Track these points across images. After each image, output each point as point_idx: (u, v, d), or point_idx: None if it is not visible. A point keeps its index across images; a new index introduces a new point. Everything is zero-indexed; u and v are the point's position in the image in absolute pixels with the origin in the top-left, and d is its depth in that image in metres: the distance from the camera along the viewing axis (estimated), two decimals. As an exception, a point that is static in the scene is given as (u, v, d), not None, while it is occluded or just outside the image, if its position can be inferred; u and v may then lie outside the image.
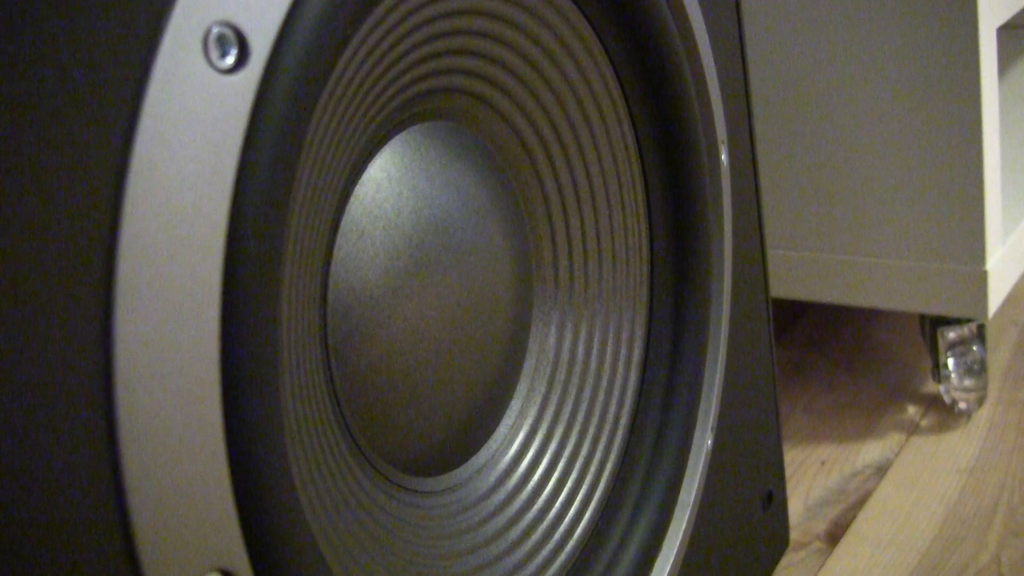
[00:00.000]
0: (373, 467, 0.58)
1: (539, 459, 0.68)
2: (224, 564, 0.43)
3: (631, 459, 0.71)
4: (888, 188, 1.09)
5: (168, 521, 0.40)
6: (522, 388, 0.68)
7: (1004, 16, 1.06)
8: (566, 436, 0.69)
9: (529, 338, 0.68)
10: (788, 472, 1.08)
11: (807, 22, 1.08)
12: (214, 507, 0.42)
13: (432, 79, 0.59)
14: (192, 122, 0.40)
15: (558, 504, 0.67)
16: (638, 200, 0.71)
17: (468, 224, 0.61)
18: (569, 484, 0.68)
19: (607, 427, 0.70)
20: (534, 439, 0.68)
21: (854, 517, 1.00)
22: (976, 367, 1.12)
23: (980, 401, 1.13)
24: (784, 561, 0.95)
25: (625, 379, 0.71)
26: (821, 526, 1.00)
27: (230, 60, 0.41)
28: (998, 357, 1.25)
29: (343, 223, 0.55)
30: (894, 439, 1.12)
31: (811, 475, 1.08)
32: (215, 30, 0.41)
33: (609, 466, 0.70)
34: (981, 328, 1.12)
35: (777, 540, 0.88)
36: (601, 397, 0.70)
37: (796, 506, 1.03)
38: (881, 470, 1.07)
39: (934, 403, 1.17)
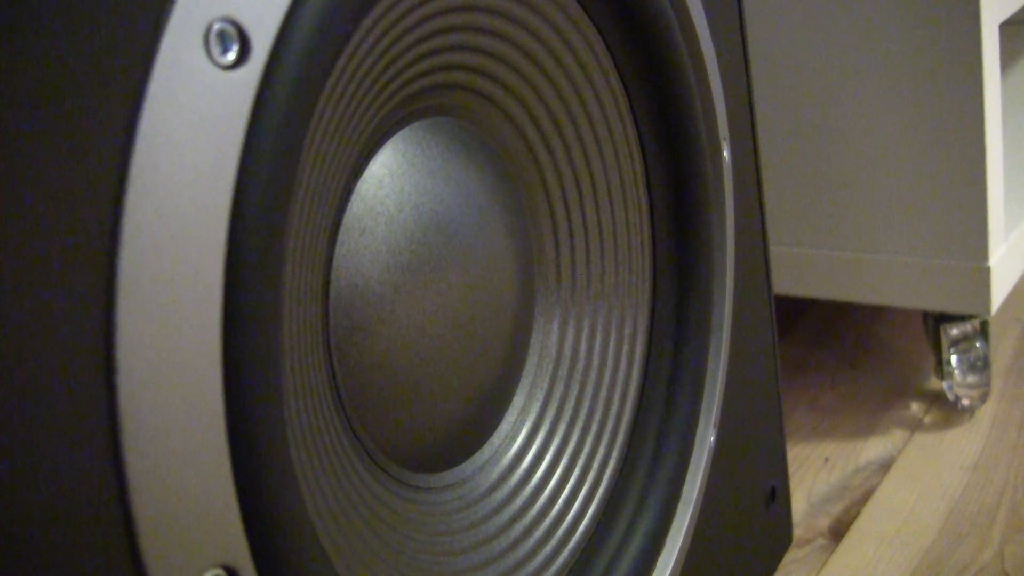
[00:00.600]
0: (375, 463, 0.58)
1: (542, 456, 0.68)
2: (227, 560, 0.43)
3: (633, 456, 0.71)
4: (891, 185, 1.09)
5: (171, 518, 0.41)
6: (524, 384, 0.68)
7: (1006, 12, 1.06)
8: (568, 432, 0.69)
9: (531, 334, 0.68)
10: (791, 469, 1.08)
11: (809, 19, 1.08)
12: (216, 503, 0.42)
13: (434, 75, 0.59)
14: (193, 118, 0.40)
15: (561, 501, 0.67)
16: (640, 196, 0.71)
17: (470, 221, 0.61)
18: (572, 480, 0.68)
19: (609, 423, 0.70)
20: (536, 436, 0.68)
21: (857, 514, 1.00)
22: (979, 363, 1.12)
23: (983, 397, 1.13)
24: (787, 558, 0.95)
25: (627, 376, 0.71)
26: (824, 523, 1.00)
27: (231, 56, 0.41)
28: (1001, 353, 1.25)
29: (345, 220, 0.55)
30: (897, 436, 1.12)
31: (814, 472, 1.08)
32: (216, 26, 0.41)
33: (611, 463, 0.70)
34: (984, 324, 1.12)
35: (780, 537, 0.88)
36: (603, 393, 0.70)
37: (799, 503, 1.03)
38: (884, 467, 1.07)
39: (937, 400, 1.17)
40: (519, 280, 0.66)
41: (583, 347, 0.70)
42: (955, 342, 1.12)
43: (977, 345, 1.12)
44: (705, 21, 0.71)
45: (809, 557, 0.95)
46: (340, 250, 0.54)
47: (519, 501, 0.66)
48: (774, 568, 0.88)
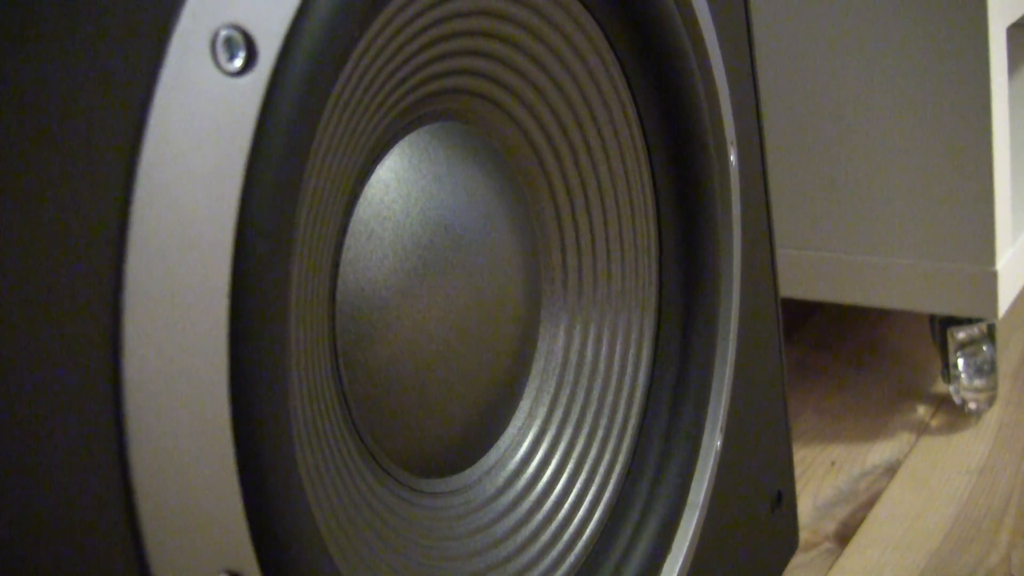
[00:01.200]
0: (382, 468, 0.58)
1: (548, 460, 0.68)
2: (232, 565, 0.43)
3: (640, 460, 0.71)
4: (898, 188, 1.09)
5: (177, 522, 0.41)
6: (531, 389, 0.68)
7: (1014, 15, 1.06)
8: (575, 437, 0.69)
9: (538, 339, 0.68)
10: (798, 472, 1.08)
11: (816, 22, 1.08)
12: (223, 508, 0.42)
13: (440, 80, 0.59)
14: (200, 124, 0.40)
15: (567, 505, 0.67)
16: (647, 201, 0.71)
17: (477, 225, 0.61)
18: (578, 485, 0.68)
19: (616, 428, 0.70)
20: (543, 440, 0.68)
21: (864, 517, 1.00)
22: (986, 367, 1.12)
23: (990, 401, 1.13)
24: (793, 562, 0.95)
25: (634, 380, 0.71)
26: (831, 526, 1.00)
27: (238, 63, 0.42)
28: (1008, 357, 1.25)
29: (351, 224, 0.55)
30: (904, 439, 1.12)
31: (821, 475, 1.07)
32: (223, 33, 0.41)
33: (618, 467, 0.70)
34: (991, 328, 1.12)
35: (786, 541, 0.88)
36: (610, 398, 0.70)
37: (806, 506, 1.03)
38: (891, 470, 1.07)
39: (944, 403, 1.17)
40: (525, 285, 0.66)
41: (589, 351, 0.70)
42: (962, 346, 1.12)
43: (984, 349, 1.12)
44: (712, 25, 0.71)
45: (815, 561, 0.95)
46: (347, 255, 0.54)
47: (525, 505, 0.66)
48: (780, 572, 0.88)
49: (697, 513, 0.72)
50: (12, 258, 0.36)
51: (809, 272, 1.15)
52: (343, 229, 0.54)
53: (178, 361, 0.40)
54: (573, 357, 0.70)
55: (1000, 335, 1.29)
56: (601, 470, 0.69)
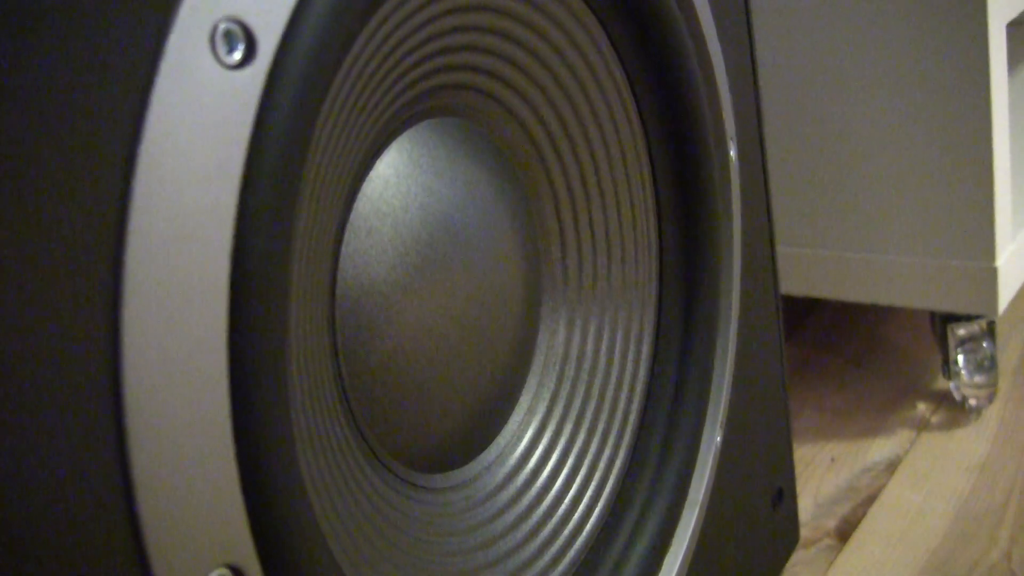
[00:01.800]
0: (382, 463, 0.58)
1: (548, 456, 0.68)
2: (232, 560, 0.43)
3: (640, 456, 0.71)
4: (898, 185, 1.09)
5: (177, 517, 0.41)
6: (531, 385, 0.68)
7: (1013, 12, 1.06)
8: (575, 433, 0.69)
9: (538, 334, 0.68)
10: (798, 469, 1.08)
11: (816, 18, 1.08)
12: (222, 503, 0.42)
13: (440, 75, 0.59)
14: (200, 118, 0.40)
15: (567, 501, 0.67)
16: (647, 196, 0.70)
17: (477, 220, 0.61)
18: (578, 481, 0.68)
19: (616, 424, 0.70)
20: (543, 436, 0.68)
21: (864, 514, 1.00)
22: (986, 364, 1.12)
23: (990, 398, 1.13)
24: (794, 558, 0.95)
25: (634, 376, 0.71)
26: (831, 523, 1.00)
27: (237, 56, 0.41)
28: (1008, 354, 1.25)
29: (351, 219, 0.55)
30: (904, 436, 1.12)
31: (821, 472, 1.07)
32: (222, 26, 0.41)
33: (618, 463, 0.70)
34: (991, 325, 1.12)
35: (787, 537, 0.88)
36: (610, 394, 0.70)
37: (806, 503, 1.03)
38: (891, 467, 1.07)
39: (944, 400, 1.17)
40: (525, 280, 0.66)
41: (589, 347, 0.70)
42: (962, 342, 1.12)
43: (984, 345, 1.12)
44: (712, 20, 0.71)
45: (816, 558, 0.95)
46: (346, 250, 0.54)
47: (525, 501, 0.66)
48: (780, 569, 0.88)
49: (697, 510, 0.72)
50: (11, 253, 0.36)
51: (809, 269, 1.15)
52: (343, 224, 0.54)
53: (178, 356, 0.40)
54: (573, 353, 0.70)
55: (1000, 332, 1.29)
56: (601, 466, 0.69)
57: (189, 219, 0.40)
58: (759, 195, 0.81)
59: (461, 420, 0.62)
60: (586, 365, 0.70)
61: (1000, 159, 1.05)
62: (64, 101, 0.37)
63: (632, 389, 0.71)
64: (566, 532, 0.66)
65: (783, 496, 0.87)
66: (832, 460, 1.09)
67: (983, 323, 1.12)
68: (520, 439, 0.67)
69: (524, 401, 0.68)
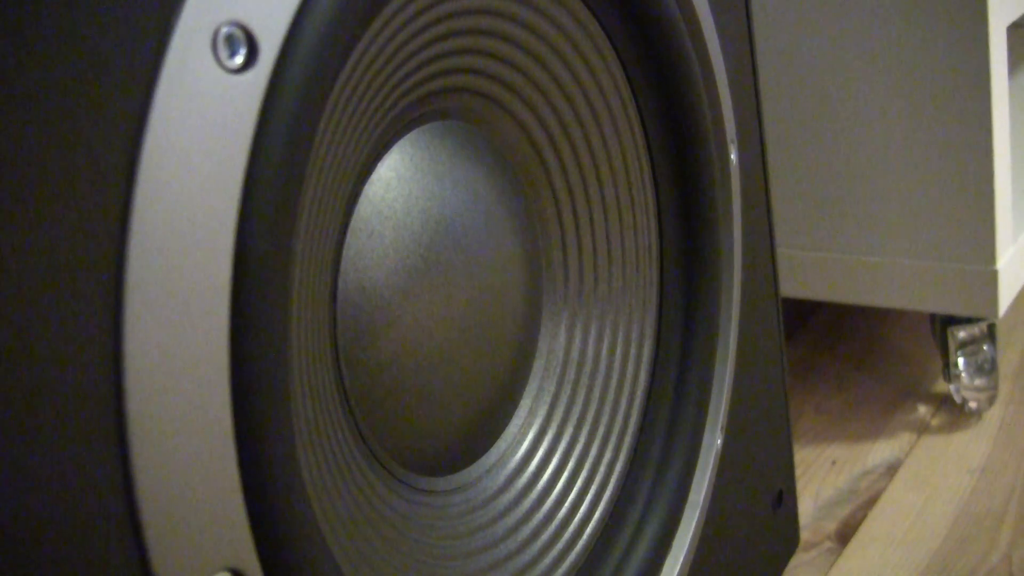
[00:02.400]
0: (383, 466, 0.58)
1: (549, 459, 0.68)
2: (234, 563, 0.43)
3: (641, 458, 0.71)
4: (898, 187, 1.09)
5: (178, 520, 0.41)
6: (532, 387, 0.68)
7: (1014, 14, 1.06)
8: (576, 435, 0.69)
9: (539, 337, 0.68)
10: (799, 472, 1.08)
11: (817, 21, 1.08)
12: (224, 507, 0.42)
13: (441, 78, 0.59)
14: (201, 121, 0.40)
15: (568, 504, 0.67)
16: (648, 199, 0.71)
17: (478, 224, 0.61)
18: (579, 484, 0.68)
19: (617, 426, 0.70)
20: (544, 438, 0.68)
21: (864, 517, 1.00)
22: (986, 366, 1.12)
23: (991, 400, 1.13)
24: (794, 561, 0.95)
25: (635, 378, 0.71)
26: (831, 526, 1.00)
27: (239, 60, 0.42)
28: (1009, 356, 1.25)
29: (353, 223, 0.55)
30: (905, 439, 1.12)
31: (821, 474, 1.07)
32: (224, 30, 0.41)
33: (619, 466, 0.70)
34: (991, 327, 1.12)
35: (787, 539, 0.88)
36: (611, 396, 0.70)
37: (807, 506, 1.03)
38: (892, 470, 1.07)
39: (945, 403, 1.17)
40: (526, 283, 0.66)
41: (590, 350, 0.70)
42: (962, 345, 1.12)
43: (984, 348, 1.12)
44: (713, 24, 0.71)
45: (816, 560, 0.95)
46: (348, 253, 0.54)
47: (526, 504, 0.66)
48: (781, 571, 0.88)
49: (698, 512, 0.72)
50: (13, 255, 0.36)
51: (810, 271, 1.15)
52: (344, 227, 0.54)
53: (179, 359, 0.40)
54: (574, 355, 0.70)
55: (1000, 334, 1.29)
56: (602, 469, 0.69)
57: (191, 222, 0.40)
58: (760, 198, 0.81)
59: (462, 423, 0.62)
60: (587, 368, 0.70)
61: (1001, 161, 1.05)
62: (66, 104, 0.37)
63: (633, 392, 0.71)
64: (567, 535, 0.67)
65: (783, 498, 0.87)
66: (832, 462, 1.09)
67: (983, 326, 1.12)
68: (521, 442, 0.67)
69: (525, 404, 0.68)
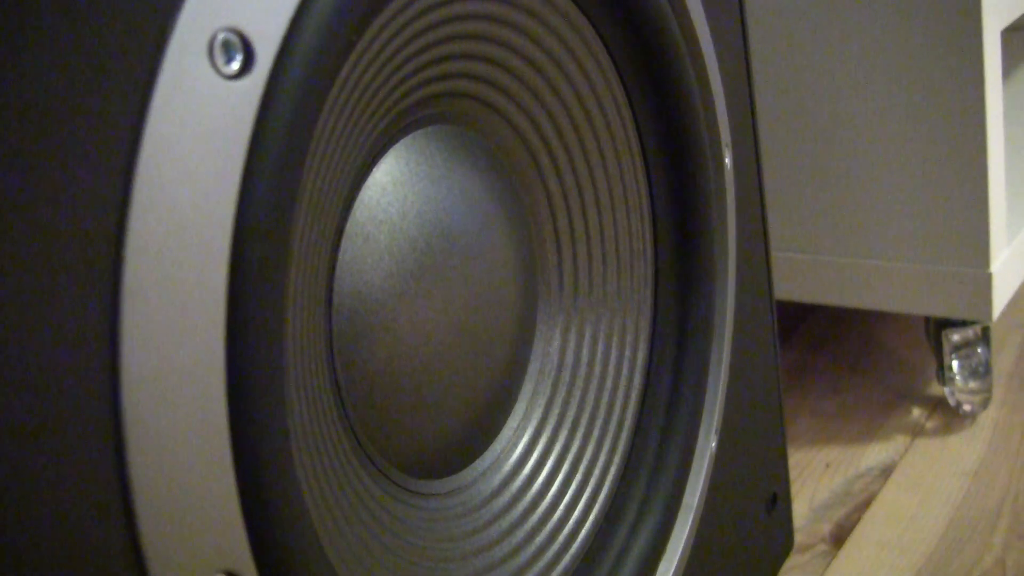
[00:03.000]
0: (378, 469, 0.58)
1: (543, 462, 0.68)
2: (229, 566, 0.43)
3: (635, 462, 0.71)
4: (893, 190, 1.09)
5: (174, 523, 0.41)
6: (526, 391, 0.68)
7: (1008, 19, 1.06)
8: (570, 439, 0.69)
9: (533, 341, 0.69)
10: (793, 474, 1.08)
11: (811, 25, 1.08)
12: (220, 509, 0.42)
13: (436, 83, 0.59)
14: (198, 127, 0.40)
15: (562, 507, 0.67)
16: (642, 203, 0.71)
17: (473, 228, 0.62)
18: (573, 487, 0.68)
19: (611, 430, 0.70)
20: (538, 442, 0.68)
21: (859, 519, 1.00)
22: (981, 369, 1.12)
23: (985, 403, 1.13)
24: (789, 563, 0.95)
25: (629, 382, 0.71)
26: (826, 528, 1.00)
27: (235, 66, 0.42)
28: (1003, 359, 1.25)
29: (348, 227, 0.55)
30: (899, 441, 1.12)
31: (816, 477, 1.08)
32: (220, 36, 0.41)
33: (613, 469, 0.70)
34: (986, 330, 1.12)
35: (781, 542, 0.89)
36: (605, 400, 0.70)
37: (801, 508, 1.03)
38: (886, 472, 1.07)
39: (939, 405, 1.17)
40: (521, 286, 0.66)
41: (585, 353, 0.70)
42: (956, 348, 1.13)
43: (979, 351, 1.12)
44: (707, 27, 0.72)
45: (810, 563, 0.95)
46: (343, 257, 0.55)
47: (521, 507, 0.66)
48: (775, 573, 0.88)
49: (692, 514, 0.72)
50: (11, 259, 0.36)
51: (804, 275, 1.16)
52: (340, 232, 0.54)
53: (176, 362, 0.40)
54: (569, 359, 0.70)
55: (994, 337, 1.29)
56: (596, 472, 0.69)
57: (187, 227, 0.40)
58: (754, 201, 0.81)
59: (457, 426, 0.62)
60: (581, 371, 0.70)
61: (995, 164, 1.05)
62: (64, 110, 0.37)
63: (627, 395, 0.71)
64: (561, 538, 0.67)
65: (778, 501, 0.87)
66: (827, 465, 1.09)
67: (977, 329, 1.12)
68: (516, 445, 0.67)
69: (520, 407, 0.68)
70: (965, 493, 1.02)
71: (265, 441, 0.43)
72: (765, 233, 0.83)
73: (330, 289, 0.54)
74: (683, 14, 0.68)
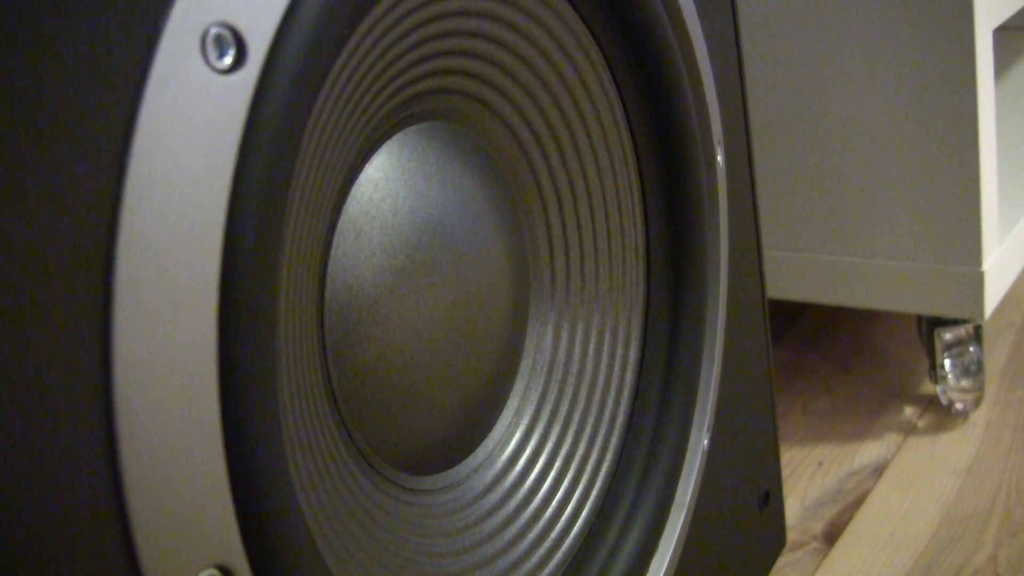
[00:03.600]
0: (370, 465, 0.58)
1: (536, 458, 0.68)
2: (222, 560, 0.43)
3: (627, 458, 0.71)
4: (885, 189, 1.09)
5: (166, 517, 0.41)
6: (519, 387, 0.68)
7: (1000, 18, 1.06)
8: (562, 435, 0.69)
9: (526, 337, 0.69)
10: (786, 472, 1.08)
11: (803, 23, 1.08)
12: (212, 504, 0.42)
13: (429, 80, 0.59)
14: (190, 122, 0.40)
15: (554, 503, 0.67)
16: (634, 200, 0.71)
17: (465, 224, 0.62)
18: (565, 483, 0.68)
19: (603, 426, 0.70)
20: (531, 438, 0.68)
21: (851, 517, 1.01)
22: (973, 368, 1.12)
23: (977, 402, 1.14)
24: (781, 561, 0.95)
25: (621, 379, 0.71)
26: (818, 526, 1.00)
27: (228, 60, 0.42)
28: (995, 358, 1.25)
29: (340, 223, 0.55)
30: (891, 439, 1.12)
31: (808, 475, 1.08)
32: (213, 31, 0.41)
33: (605, 465, 0.70)
34: (978, 329, 1.12)
35: (774, 540, 0.89)
36: (597, 396, 0.70)
37: (793, 506, 1.03)
38: (878, 470, 1.07)
39: (931, 404, 1.18)
40: (513, 283, 0.66)
41: (577, 350, 0.70)
42: (949, 346, 1.13)
43: (971, 349, 1.12)
44: (699, 24, 0.72)
45: (802, 561, 0.95)
46: (335, 253, 0.55)
47: (513, 503, 0.66)
48: (767, 572, 0.88)
49: (684, 512, 0.72)
50: (3, 252, 0.36)
51: (797, 273, 1.16)
52: (332, 227, 0.54)
53: (168, 356, 0.40)
54: (561, 356, 0.70)
55: (987, 336, 1.29)
56: (588, 469, 0.69)
57: (180, 222, 0.40)
58: (746, 199, 0.81)
59: (449, 422, 0.62)
60: (573, 368, 0.70)
61: (987, 163, 1.05)
62: (55, 104, 0.37)
63: (619, 392, 0.71)
64: (553, 535, 0.67)
65: (770, 499, 0.87)
66: (819, 463, 1.10)
67: (970, 327, 1.12)
68: (508, 442, 0.67)
69: (512, 404, 0.68)
70: (957, 491, 1.02)
71: (257, 435, 0.43)
72: (757, 231, 0.83)
73: (322, 284, 0.54)
74: (675, 10, 0.69)
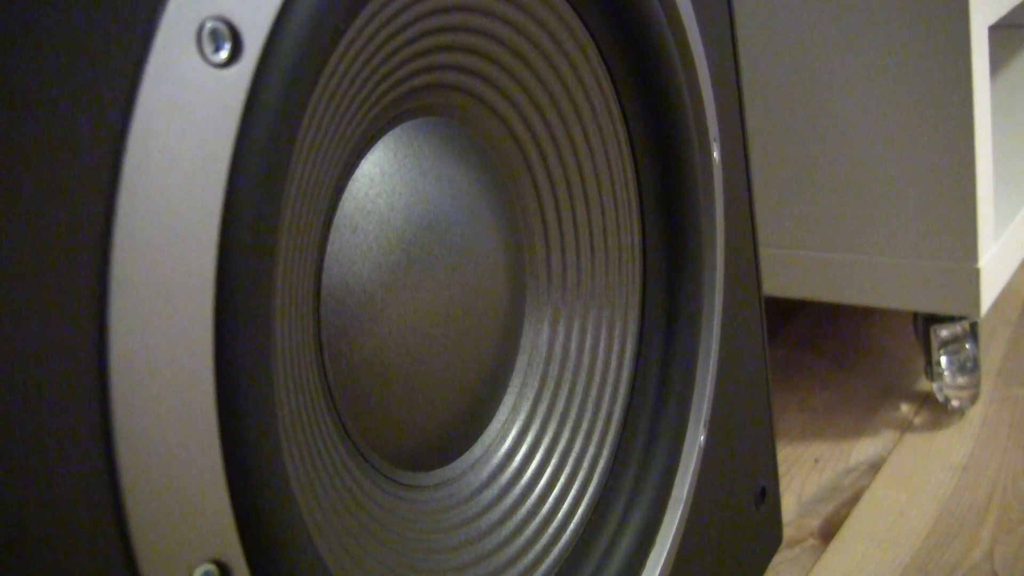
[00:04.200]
0: (367, 461, 0.58)
1: (532, 454, 0.68)
2: (218, 555, 0.43)
3: (624, 455, 0.71)
4: (881, 186, 1.09)
5: (163, 512, 0.41)
6: (515, 384, 0.68)
7: (995, 15, 1.07)
8: (559, 432, 0.69)
9: (522, 334, 0.69)
10: (782, 469, 1.08)
11: (799, 20, 1.08)
12: (208, 499, 0.42)
13: (425, 75, 0.59)
14: (186, 116, 0.40)
15: (551, 499, 0.67)
16: (631, 197, 0.71)
17: (461, 220, 0.62)
18: (562, 479, 0.68)
19: (600, 423, 0.70)
20: (527, 434, 0.68)
21: (848, 514, 1.01)
22: (969, 365, 1.12)
23: (973, 399, 1.14)
24: (777, 558, 0.95)
25: (618, 375, 0.71)
26: (815, 523, 1.00)
27: (224, 54, 0.42)
28: (991, 355, 1.25)
29: (336, 218, 0.55)
30: (888, 436, 1.12)
31: (805, 472, 1.08)
32: (209, 24, 0.41)
33: (602, 462, 0.70)
34: (974, 326, 1.12)
35: (770, 537, 0.89)
36: (594, 393, 0.70)
37: (790, 503, 1.03)
38: (875, 467, 1.07)
39: (927, 401, 1.18)
40: (510, 279, 0.66)
41: (573, 346, 0.70)
42: (945, 343, 1.13)
43: (967, 346, 1.12)
44: (695, 21, 0.72)
45: (799, 557, 0.96)
46: (331, 248, 0.55)
47: (510, 499, 0.66)
48: (764, 568, 0.88)
49: (681, 508, 0.72)
50: (-2, 248, 0.36)
51: (793, 271, 1.16)
52: (328, 223, 0.54)
53: (164, 352, 0.40)
54: (557, 352, 0.70)
55: (983, 332, 1.29)
56: (585, 464, 0.69)
57: (175, 216, 0.40)
58: (742, 196, 0.81)
59: (446, 418, 0.62)
60: (570, 364, 0.70)
61: (983, 160, 1.05)
62: (51, 100, 0.37)
63: (616, 388, 0.71)
64: (550, 530, 0.67)
65: (766, 496, 0.87)
66: (816, 460, 1.10)
67: (966, 324, 1.12)
68: (504, 437, 0.67)
69: (508, 400, 0.68)
70: (953, 488, 1.03)
71: (253, 431, 0.43)
72: (753, 228, 0.83)
73: (318, 280, 0.54)
74: (671, 8, 0.69)
